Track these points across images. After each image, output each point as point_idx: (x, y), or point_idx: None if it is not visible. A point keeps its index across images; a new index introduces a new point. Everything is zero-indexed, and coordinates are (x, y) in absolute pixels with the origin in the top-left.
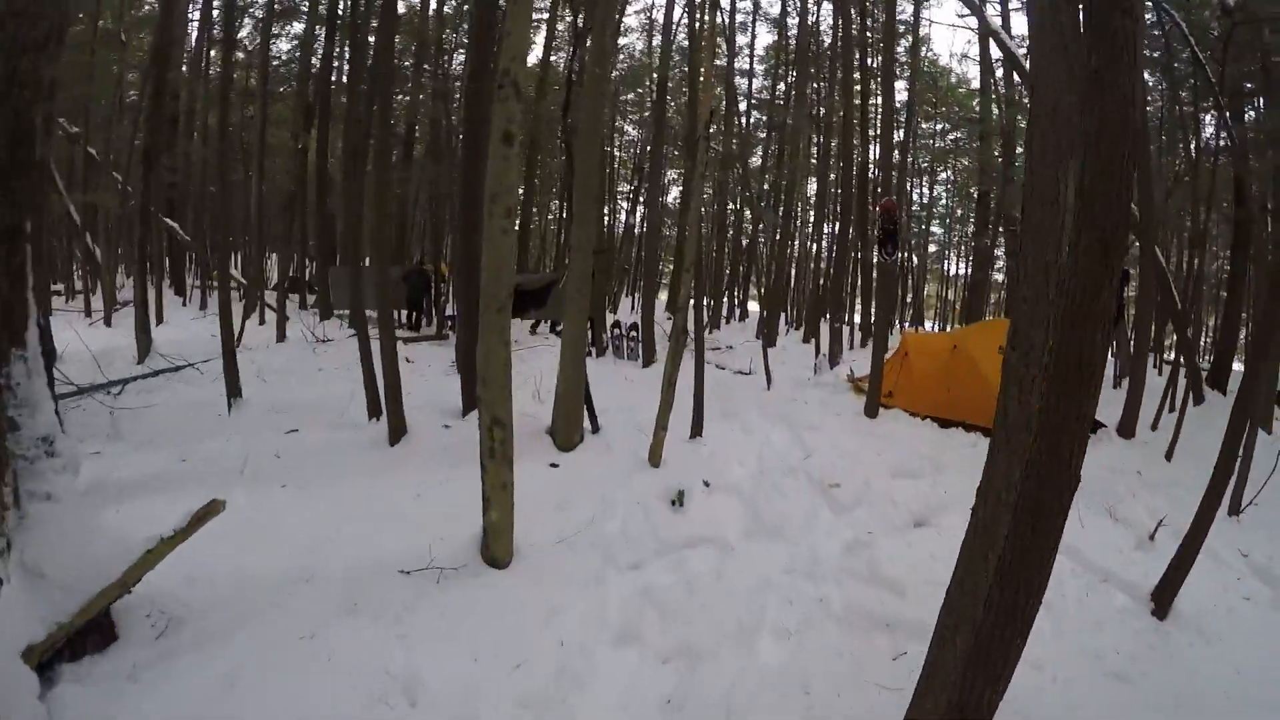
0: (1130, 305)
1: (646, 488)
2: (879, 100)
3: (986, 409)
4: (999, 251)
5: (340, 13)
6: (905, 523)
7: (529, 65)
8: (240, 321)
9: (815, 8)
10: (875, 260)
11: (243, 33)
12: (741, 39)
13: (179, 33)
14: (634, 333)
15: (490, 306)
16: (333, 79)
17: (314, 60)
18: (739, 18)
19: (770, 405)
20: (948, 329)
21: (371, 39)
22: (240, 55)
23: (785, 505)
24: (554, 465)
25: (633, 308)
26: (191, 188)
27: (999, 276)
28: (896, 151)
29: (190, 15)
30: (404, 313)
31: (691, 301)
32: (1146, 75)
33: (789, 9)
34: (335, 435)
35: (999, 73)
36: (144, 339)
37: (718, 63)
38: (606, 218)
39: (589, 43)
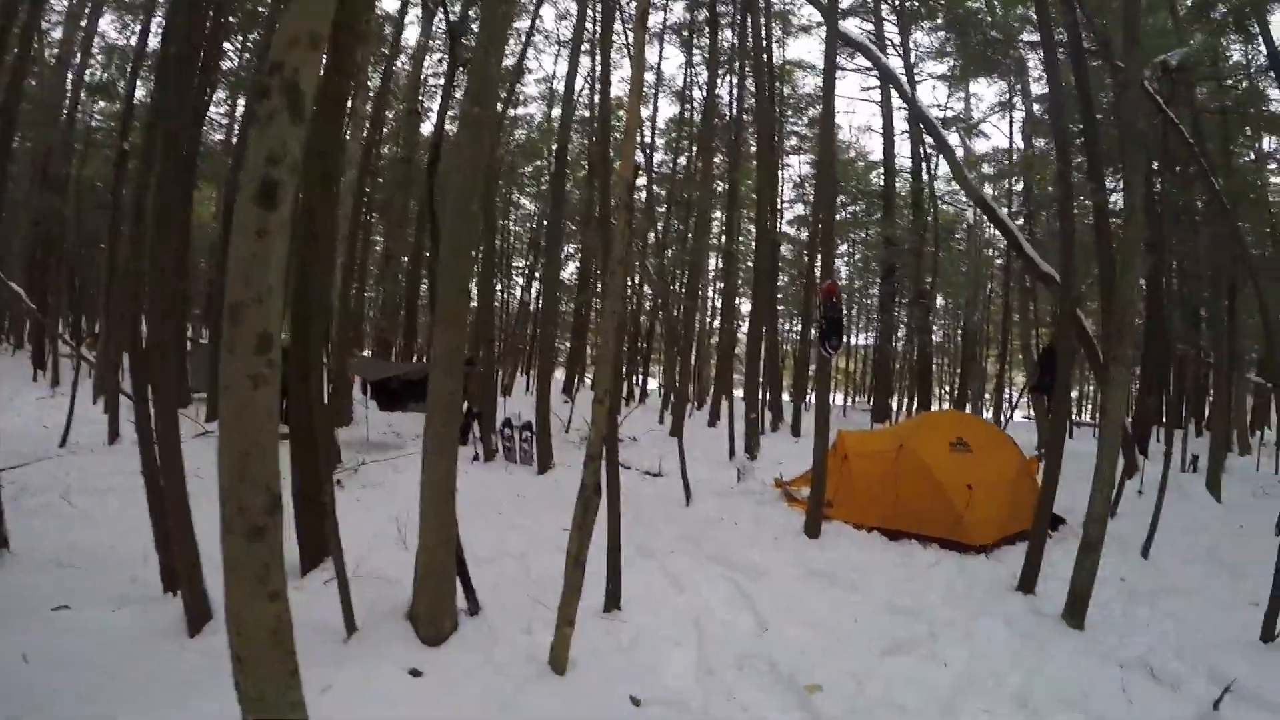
0: None
1: (548, 715)
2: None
3: (941, 516)
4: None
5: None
6: None
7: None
8: (69, 410)
9: (723, 80)
10: (819, 352)
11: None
12: (643, 111)
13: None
14: (527, 432)
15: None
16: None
17: None
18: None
19: (695, 530)
20: (848, 406)
21: None
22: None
23: None
24: (415, 673)
25: (527, 387)
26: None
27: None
28: (802, 228)
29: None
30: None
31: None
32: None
33: (694, 81)
34: (115, 618)
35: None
36: None
37: (615, 136)
38: (500, 293)
39: (469, 75)
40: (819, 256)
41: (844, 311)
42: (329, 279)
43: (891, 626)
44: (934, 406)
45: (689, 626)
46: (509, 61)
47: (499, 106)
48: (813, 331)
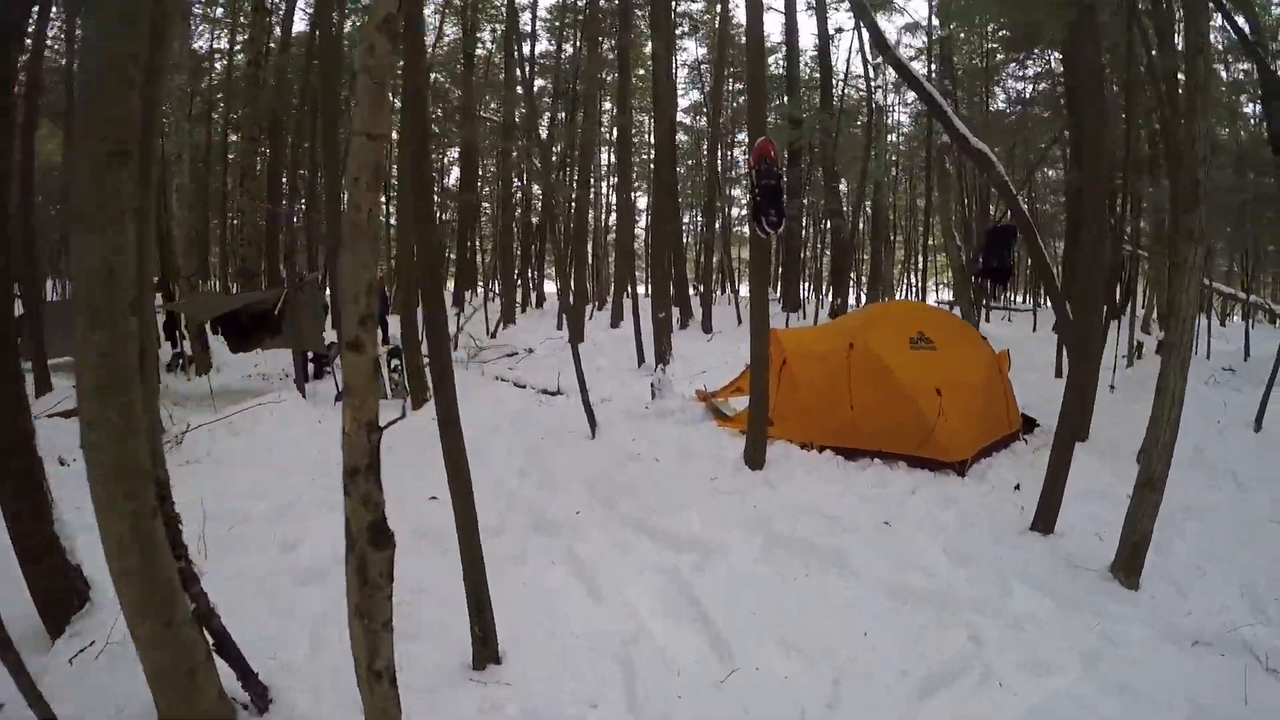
0: None
1: None
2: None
3: (908, 429)
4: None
5: None
6: None
7: None
8: None
9: None
10: (753, 232)
11: None
12: None
13: None
14: (396, 360)
15: None
16: None
17: None
18: None
19: (607, 474)
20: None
21: None
22: None
23: None
24: None
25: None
26: None
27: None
28: (708, 107)
29: None
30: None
31: None
32: None
33: None
34: None
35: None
36: None
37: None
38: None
39: None
40: (743, 126)
41: (783, 177)
42: None
43: (912, 628)
44: (853, 297)
45: (612, 677)
46: None
47: None
48: (743, 207)
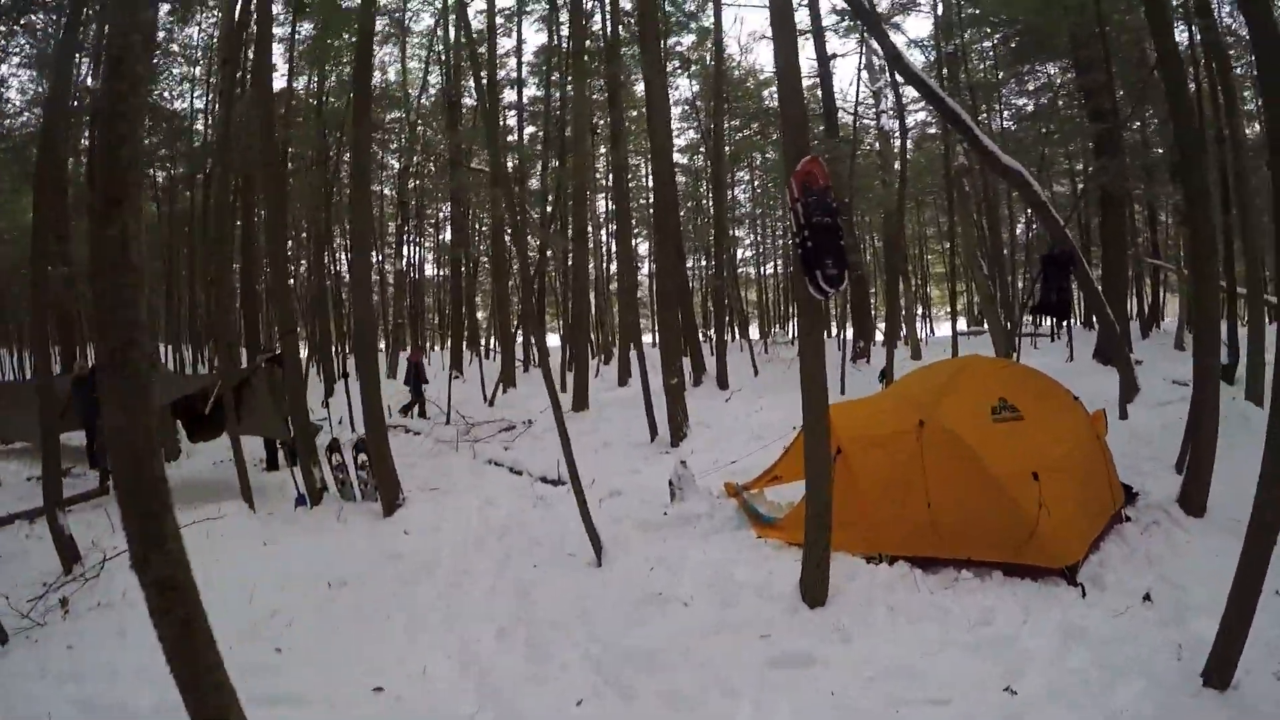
0: None
1: None
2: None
3: (1003, 528)
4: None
5: None
6: None
7: None
8: None
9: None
10: (805, 288)
11: None
12: (507, 42)
13: None
14: (364, 455)
15: None
16: None
17: None
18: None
19: (618, 640)
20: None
21: None
22: None
23: None
24: None
25: (392, 371)
26: None
27: None
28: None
29: None
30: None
31: None
32: None
33: (558, 2)
34: None
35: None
36: None
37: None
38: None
39: None
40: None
41: (838, 210)
42: None
43: None
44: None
45: None
46: None
47: None
48: (747, 247)
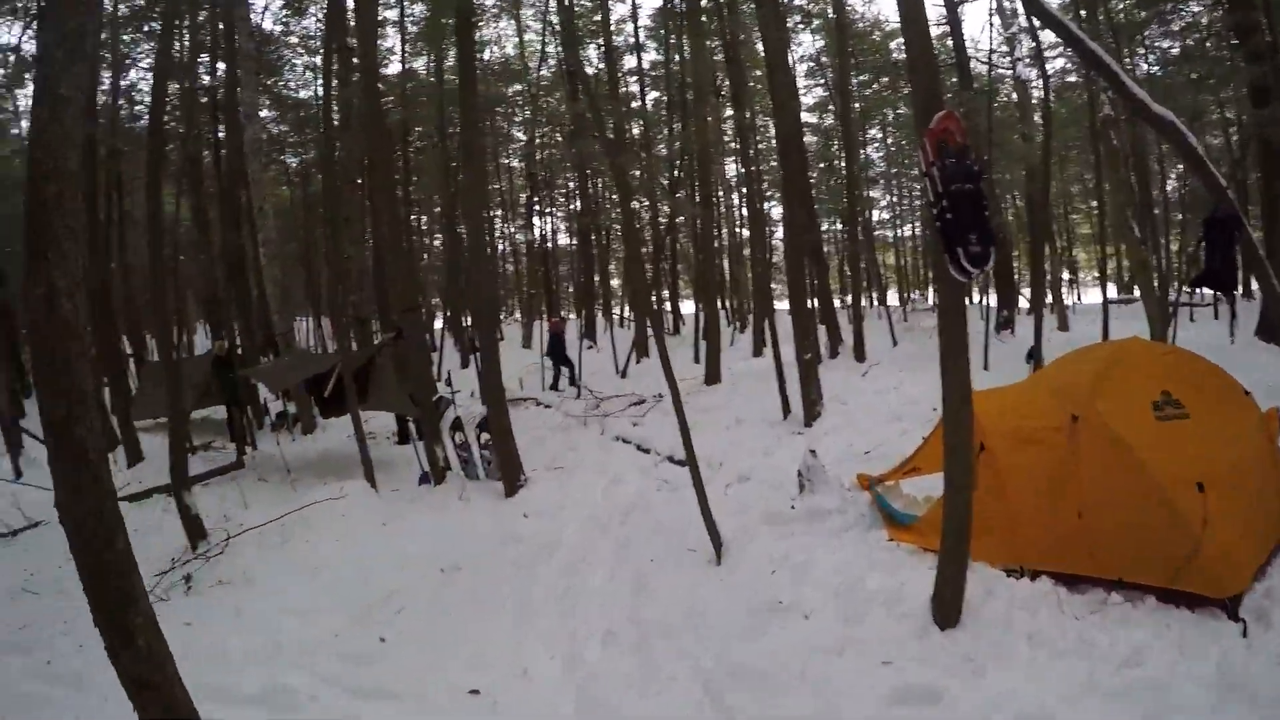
0: None
1: None
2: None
3: (1162, 544)
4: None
5: None
6: None
7: None
8: None
9: None
10: (944, 267)
11: None
12: (621, 8)
13: None
14: (487, 433)
15: None
16: None
17: None
18: None
19: (731, 655)
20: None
21: None
22: None
23: None
24: None
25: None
26: None
27: None
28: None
29: None
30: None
31: None
32: None
33: None
34: None
35: None
36: None
37: None
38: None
39: None
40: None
41: (980, 171)
42: None
43: None
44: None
45: None
46: None
47: None
48: (884, 209)
